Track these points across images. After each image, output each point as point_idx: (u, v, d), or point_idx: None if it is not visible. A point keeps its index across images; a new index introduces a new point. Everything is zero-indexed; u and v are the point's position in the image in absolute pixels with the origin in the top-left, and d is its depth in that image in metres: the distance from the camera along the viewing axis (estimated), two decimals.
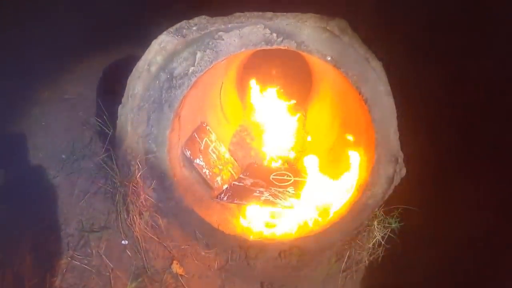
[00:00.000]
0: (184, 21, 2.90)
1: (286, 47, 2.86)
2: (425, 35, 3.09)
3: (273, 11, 2.90)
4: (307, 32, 2.80)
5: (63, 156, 3.19)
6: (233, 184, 3.66)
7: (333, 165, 3.67)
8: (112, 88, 3.16)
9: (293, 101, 4.42)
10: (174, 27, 2.89)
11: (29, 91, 3.20)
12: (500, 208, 2.68)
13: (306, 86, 4.75)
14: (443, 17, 3.02)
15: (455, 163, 2.97)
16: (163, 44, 2.87)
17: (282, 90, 4.49)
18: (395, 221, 3.09)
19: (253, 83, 4.40)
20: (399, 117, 2.87)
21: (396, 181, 3.03)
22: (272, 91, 4.43)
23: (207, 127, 3.64)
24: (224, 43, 2.84)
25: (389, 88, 2.87)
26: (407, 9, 3.12)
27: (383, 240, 3.09)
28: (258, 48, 2.90)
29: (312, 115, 4.61)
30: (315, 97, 4.67)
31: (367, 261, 3.18)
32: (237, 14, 2.93)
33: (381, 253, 3.13)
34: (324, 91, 4.28)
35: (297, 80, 4.68)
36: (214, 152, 3.61)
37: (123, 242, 3.05)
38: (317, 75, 4.34)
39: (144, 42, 2.97)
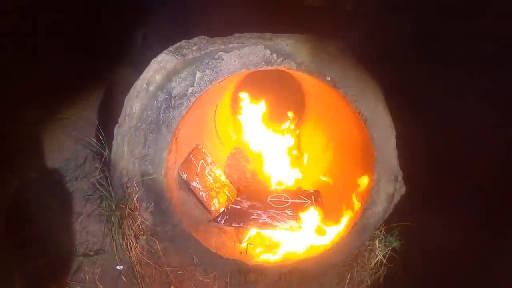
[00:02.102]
0: (184, 40, 2.91)
1: (286, 68, 2.90)
2: (420, 52, 3.20)
3: (272, 32, 2.98)
4: (306, 52, 2.85)
5: (55, 177, 3.06)
6: (230, 207, 3.58)
7: (330, 186, 3.68)
8: (107, 107, 3.12)
9: (287, 124, 4.45)
10: (174, 46, 2.89)
11: (18, 109, 3.09)
12: (501, 224, 2.72)
13: (299, 108, 4.82)
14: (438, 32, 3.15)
15: (454, 180, 3.01)
16: (162, 63, 2.85)
17: (275, 112, 4.52)
18: (396, 240, 3.08)
19: (246, 106, 4.42)
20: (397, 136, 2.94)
21: (396, 199, 3.05)
22: (265, 114, 4.46)
23: (203, 149, 3.58)
24: (224, 63, 2.85)
25: (386, 106, 2.93)
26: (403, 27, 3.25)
27: (384, 259, 3.08)
28: (258, 69, 2.91)
29: (306, 136, 4.64)
30: (308, 118, 4.72)
31: (369, 281, 3.13)
32: (237, 34, 2.97)
33: (383, 272, 3.10)
34: (318, 112, 4.32)
35: (290, 102, 4.73)
36: (210, 175, 3.55)
37: (118, 267, 2.92)
38: (310, 96, 4.40)
39: (140, 61, 2.97)
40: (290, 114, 4.75)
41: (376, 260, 3.08)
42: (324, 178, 3.84)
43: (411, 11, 3.38)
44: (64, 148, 3.08)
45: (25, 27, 3.29)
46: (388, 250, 3.07)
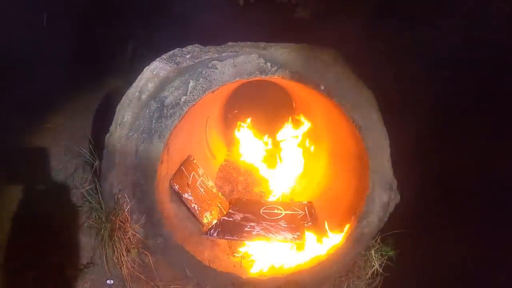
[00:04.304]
0: (178, 48, 2.89)
1: (280, 77, 2.89)
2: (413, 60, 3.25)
3: (266, 42, 2.98)
4: (301, 61, 2.84)
5: (43, 188, 2.97)
6: (223, 219, 3.50)
7: (323, 197, 3.66)
8: (97, 116, 3.04)
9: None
10: (167, 54, 2.86)
11: (5, 119, 3.02)
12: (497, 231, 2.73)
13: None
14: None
15: (449, 187, 3.03)
16: (155, 71, 2.80)
17: (265, 124, 4.52)
18: (392, 249, 3.05)
19: (237, 118, 4.40)
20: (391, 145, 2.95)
21: (391, 208, 3.04)
22: (256, 125, 4.44)
23: (194, 161, 3.52)
24: (218, 72, 2.81)
25: (380, 115, 2.94)
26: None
27: (380, 269, 3.03)
28: (252, 78, 2.89)
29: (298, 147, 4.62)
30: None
31: None
32: (230, 43, 2.96)
33: (379, 282, 3.05)
34: (309, 123, 4.33)
35: (280, 113, 4.74)
36: (202, 187, 3.48)
37: (108, 281, 2.83)
38: (301, 107, 4.40)
39: (130, 71, 2.93)
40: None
41: (372, 270, 3.03)
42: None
43: None
44: (53, 158, 3.00)
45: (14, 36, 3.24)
46: (384, 260, 3.03)
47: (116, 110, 2.78)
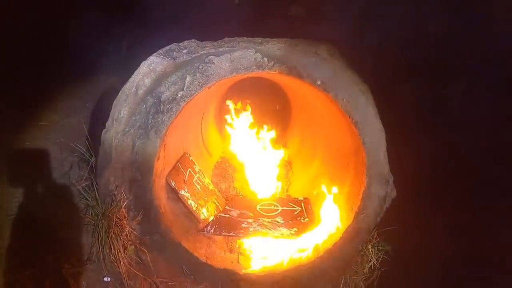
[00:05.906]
0: (174, 43, 2.88)
1: (277, 72, 2.89)
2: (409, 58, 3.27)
3: (263, 37, 2.97)
4: (298, 56, 2.85)
5: (39, 186, 2.91)
6: (219, 216, 3.50)
7: (318, 194, 3.66)
8: (93, 113, 3.01)
9: (273, 133, 4.45)
10: (164, 49, 2.85)
11: (1, 117, 2.96)
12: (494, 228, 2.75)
13: (285, 116, 4.86)
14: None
15: (443, 183, 3.05)
16: (152, 66, 2.79)
17: (261, 121, 4.52)
18: (388, 243, 3.05)
19: (233, 115, 4.39)
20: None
21: (388, 203, 3.05)
22: (250, 123, 4.44)
23: (190, 158, 3.51)
24: (215, 67, 2.81)
25: (377, 110, 2.96)
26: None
27: (377, 263, 3.03)
28: (249, 73, 2.89)
29: (294, 145, 4.64)
30: (295, 127, 4.74)
31: (363, 286, 3.05)
32: (227, 39, 2.96)
33: (376, 277, 3.04)
34: (304, 121, 4.33)
35: (276, 112, 4.74)
36: (198, 183, 3.46)
37: (105, 279, 2.80)
38: (296, 105, 4.41)
39: (125, 68, 2.91)
40: (276, 122, 4.73)
41: (369, 265, 3.02)
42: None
43: None
44: (48, 156, 2.96)
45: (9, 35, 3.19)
46: (381, 254, 3.02)
47: (113, 105, 2.76)
